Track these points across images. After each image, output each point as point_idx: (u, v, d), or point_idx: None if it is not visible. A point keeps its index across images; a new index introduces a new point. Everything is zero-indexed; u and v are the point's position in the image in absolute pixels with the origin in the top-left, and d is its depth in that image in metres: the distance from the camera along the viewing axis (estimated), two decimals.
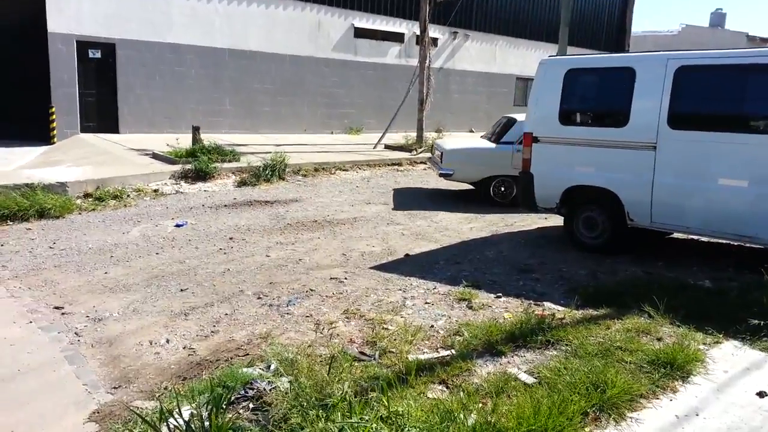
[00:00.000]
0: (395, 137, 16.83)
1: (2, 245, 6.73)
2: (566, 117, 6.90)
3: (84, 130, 14.64)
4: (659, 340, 4.26)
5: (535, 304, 5.10)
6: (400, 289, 5.53)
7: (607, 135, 6.55)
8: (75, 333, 4.51)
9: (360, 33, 19.49)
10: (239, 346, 4.33)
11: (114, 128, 15.10)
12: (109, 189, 9.18)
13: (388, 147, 16.09)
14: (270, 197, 9.75)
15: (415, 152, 15.16)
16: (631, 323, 4.49)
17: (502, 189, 9.67)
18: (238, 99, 17.06)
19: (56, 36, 13.79)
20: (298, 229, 7.84)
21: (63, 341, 4.38)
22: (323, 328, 4.63)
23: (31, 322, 4.68)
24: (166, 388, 3.67)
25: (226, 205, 9.06)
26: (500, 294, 5.36)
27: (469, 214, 9.07)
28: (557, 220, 7.90)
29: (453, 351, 4.06)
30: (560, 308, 4.98)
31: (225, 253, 6.70)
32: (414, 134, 16.59)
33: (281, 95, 17.91)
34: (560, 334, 4.19)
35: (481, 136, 11.21)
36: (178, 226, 7.80)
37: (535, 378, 3.63)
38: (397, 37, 20.46)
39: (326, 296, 5.36)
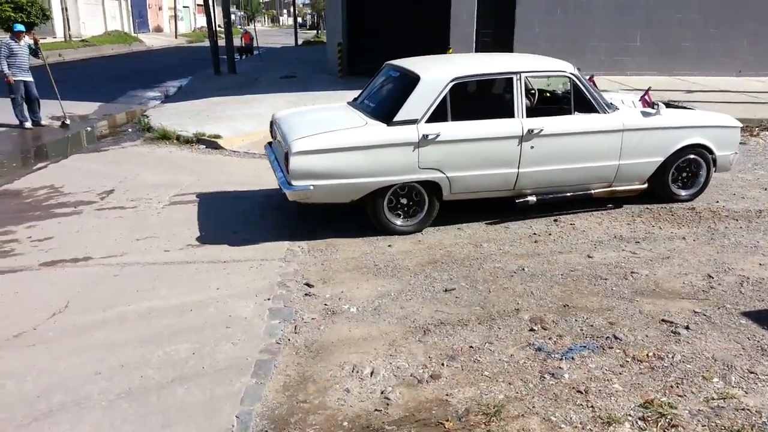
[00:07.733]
0: None
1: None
2: None
3: None
4: None
5: None
6: None
7: None
8: (295, 324, 3.77)
9: None
10: (438, 421, 2.85)
11: None
12: None
13: None
14: None
15: None
16: None
17: (402, 203, 5.17)
18: (650, 33, 14.08)
19: None
20: (658, 218, 5.52)
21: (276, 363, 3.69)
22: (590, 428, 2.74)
23: (267, 297, 4.17)
24: None
25: None
26: None
27: None
28: None
29: None
30: None
31: (535, 241, 5.08)
32: None
33: (711, 26, 14.02)
34: None
35: (349, 102, 5.97)
36: None
37: None
38: None
39: (634, 357, 3.30)
